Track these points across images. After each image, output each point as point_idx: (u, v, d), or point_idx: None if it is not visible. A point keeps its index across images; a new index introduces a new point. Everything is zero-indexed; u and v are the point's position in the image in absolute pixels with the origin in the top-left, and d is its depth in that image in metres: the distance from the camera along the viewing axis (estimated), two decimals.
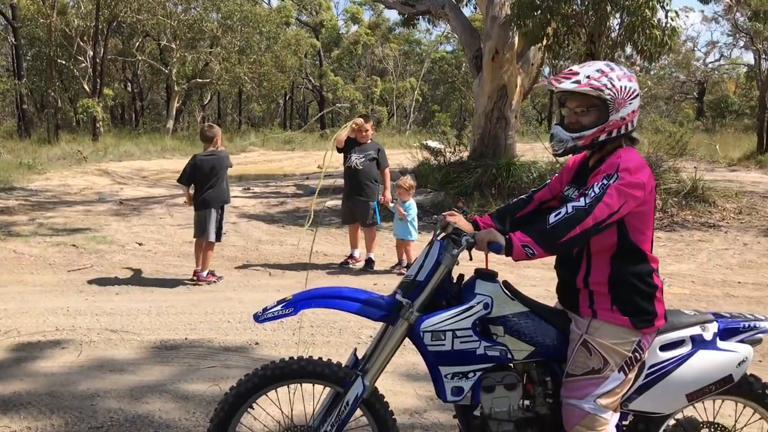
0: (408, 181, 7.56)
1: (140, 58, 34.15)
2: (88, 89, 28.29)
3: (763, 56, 23.70)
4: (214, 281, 7.21)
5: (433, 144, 15.27)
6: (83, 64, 29.89)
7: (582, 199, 2.50)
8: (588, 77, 2.57)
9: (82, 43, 29.63)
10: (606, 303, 2.64)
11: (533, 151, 15.53)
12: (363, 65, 51.44)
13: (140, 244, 9.07)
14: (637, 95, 2.60)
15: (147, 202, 12.98)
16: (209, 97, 43.77)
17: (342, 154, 7.93)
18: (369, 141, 7.92)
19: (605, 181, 2.50)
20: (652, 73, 57.24)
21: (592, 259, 2.64)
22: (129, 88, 40.79)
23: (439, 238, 2.84)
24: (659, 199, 11.72)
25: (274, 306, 2.82)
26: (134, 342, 5.25)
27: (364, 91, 45.29)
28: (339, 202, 8.97)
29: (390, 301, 2.81)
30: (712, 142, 24.60)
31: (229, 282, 7.28)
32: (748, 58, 38.81)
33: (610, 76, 2.57)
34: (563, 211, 2.50)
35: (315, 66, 44.04)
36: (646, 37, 10.34)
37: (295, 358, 2.89)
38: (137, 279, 7.36)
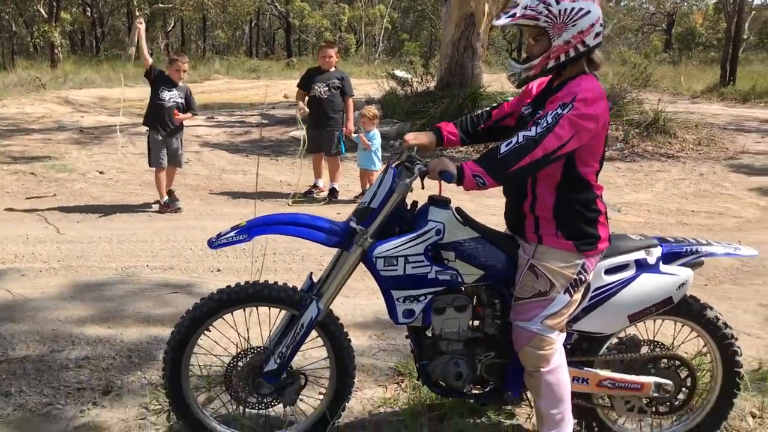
0: (372, 110, 7.53)
1: None
2: (44, 13, 27.27)
3: None
4: (170, 211, 7.24)
5: (400, 74, 15.11)
6: None
7: (533, 128, 2.51)
8: (525, 8, 2.55)
9: None
10: (551, 228, 2.71)
11: (500, 81, 15.49)
12: None
13: (101, 173, 8.96)
14: (585, 13, 2.52)
15: (108, 131, 12.73)
16: (173, 24, 42.52)
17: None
18: (333, 69, 7.83)
19: (559, 111, 2.50)
20: (622, 4, 56.99)
21: (537, 187, 2.69)
22: (89, 13, 39.41)
23: (393, 164, 2.88)
24: (622, 130, 11.87)
25: (229, 232, 2.84)
26: (95, 269, 5.27)
27: (332, 18, 44.34)
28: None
29: (344, 227, 2.85)
30: (677, 75, 24.72)
31: (191, 210, 7.27)
32: None
33: (548, 1, 2.53)
34: (513, 140, 2.52)
35: None
36: None
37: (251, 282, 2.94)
38: (98, 207, 7.31)
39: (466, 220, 2.86)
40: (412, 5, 48.90)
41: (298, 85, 7.98)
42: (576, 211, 2.69)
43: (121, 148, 10.31)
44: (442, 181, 2.62)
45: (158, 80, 7.28)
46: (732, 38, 21.93)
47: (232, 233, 2.83)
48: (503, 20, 2.60)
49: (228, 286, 2.92)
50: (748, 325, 4.45)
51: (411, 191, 2.80)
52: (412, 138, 2.91)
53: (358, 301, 4.75)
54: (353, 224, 2.81)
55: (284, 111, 15.45)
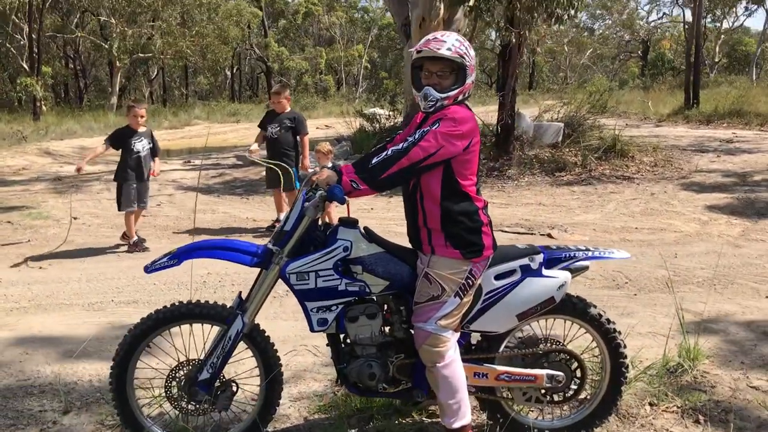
0: (326, 146, 7.96)
1: (80, 34, 33.62)
2: (26, 67, 27.87)
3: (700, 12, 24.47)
4: (138, 250, 7.62)
5: (368, 111, 15.66)
6: (21, 42, 29.36)
7: (402, 143, 2.97)
8: (454, 45, 3.02)
9: (17, 20, 29.06)
10: (441, 240, 3.12)
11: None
12: (310, 34, 51.24)
13: (75, 218, 9.34)
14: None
15: (87, 179, 13.13)
16: (156, 72, 43.26)
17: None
18: (287, 110, 8.31)
19: (428, 128, 2.96)
20: (596, 33, 58.34)
21: (425, 203, 3.11)
22: (71, 66, 40.11)
23: (302, 192, 3.29)
24: (580, 155, 12.38)
25: (161, 258, 3.24)
26: (63, 306, 5.62)
27: (312, 60, 45.24)
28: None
29: (263, 249, 3.25)
30: (645, 99, 25.48)
31: (158, 249, 7.63)
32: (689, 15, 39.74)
33: (465, 45, 3.04)
34: (384, 153, 2.97)
35: (261, 36, 43.77)
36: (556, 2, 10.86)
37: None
38: (70, 250, 7.68)
39: (372, 238, 3.27)
40: (390, 44, 49.93)
41: (259, 125, 8.54)
42: (460, 222, 3.09)
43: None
44: (335, 194, 2.97)
45: (122, 139, 7.68)
46: (692, 63, 22.64)
47: (164, 259, 3.23)
48: (444, 52, 3.00)
49: (164, 306, 3.31)
50: (665, 327, 4.82)
51: (321, 212, 3.21)
52: (316, 177, 3.30)
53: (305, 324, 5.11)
54: (270, 246, 3.22)
55: (261, 152, 15.91)
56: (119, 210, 7.75)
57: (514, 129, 12.80)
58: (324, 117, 27.57)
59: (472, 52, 3.08)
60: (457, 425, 3.15)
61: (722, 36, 48.34)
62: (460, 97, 3.09)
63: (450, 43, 3.02)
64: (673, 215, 8.88)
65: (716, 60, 48.28)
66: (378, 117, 14.83)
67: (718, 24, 46.88)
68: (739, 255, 6.95)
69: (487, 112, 14.34)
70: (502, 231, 8.11)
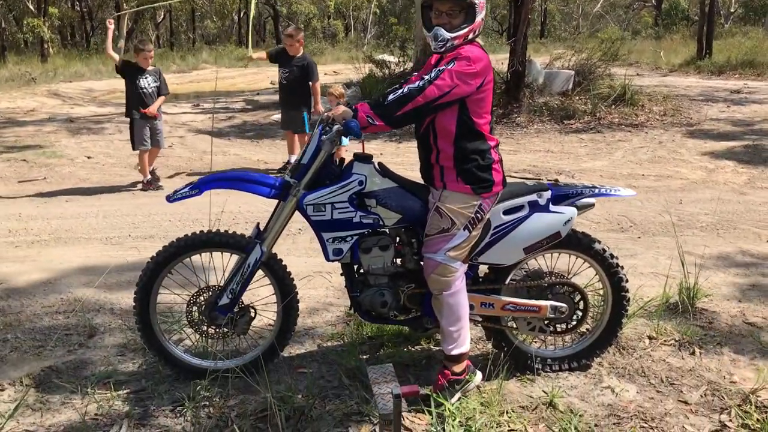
0: (338, 89, 7.99)
1: None
2: (32, 8, 27.65)
3: None
4: (152, 188, 7.77)
5: (378, 57, 15.59)
6: None
7: (418, 81, 3.04)
8: None
9: None
10: (453, 176, 3.23)
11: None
12: None
13: (89, 158, 9.49)
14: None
15: (98, 121, 13.24)
16: (162, 15, 42.78)
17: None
18: (300, 53, 8.32)
19: (443, 67, 3.04)
20: None
21: (438, 141, 3.21)
22: (77, 8, 39.68)
23: (318, 127, 3.40)
24: (589, 103, 12.38)
25: (183, 188, 3.37)
26: (82, 240, 5.80)
27: (319, 4, 44.61)
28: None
29: (281, 181, 3.38)
30: (657, 49, 25.18)
31: (171, 188, 7.77)
32: None
33: None
34: (399, 90, 3.05)
35: None
36: None
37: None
38: (86, 188, 7.85)
39: (386, 173, 3.39)
40: None
41: (267, 54, 8.61)
42: (472, 159, 3.20)
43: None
44: (352, 128, 3.08)
45: (130, 71, 7.81)
46: (707, 12, 22.31)
47: (186, 189, 3.36)
48: None
49: (185, 235, 3.46)
50: (667, 268, 4.96)
51: (338, 146, 3.32)
52: (332, 112, 3.39)
53: (321, 259, 5.28)
54: (287, 178, 3.34)
55: (268, 97, 15.94)
56: (133, 149, 7.88)
57: (525, 76, 12.76)
58: (332, 63, 27.36)
59: None
60: (455, 352, 3.31)
61: None
62: (471, 36, 3.13)
63: None
64: (680, 163, 8.95)
65: (732, 10, 47.36)
66: (387, 63, 14.76)
67: None
68: (744, 202, 7.05)
69: (497, 60, 14.23)
70: (510, 176, 8.15)
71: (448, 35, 3.12)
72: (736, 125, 11.41)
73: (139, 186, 7.85)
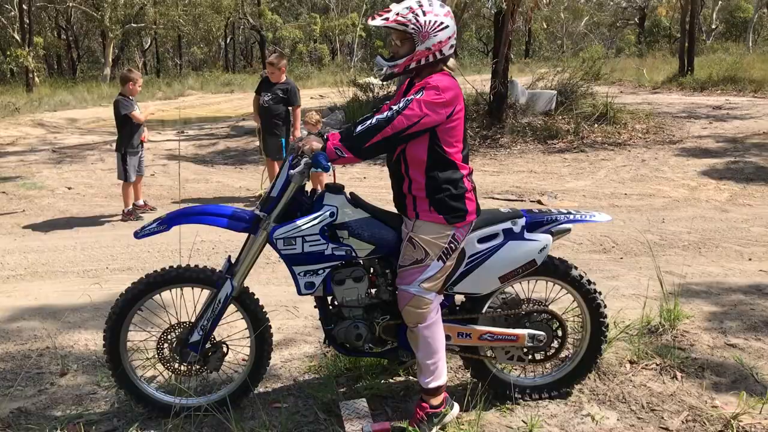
0: (314, 116, 7.98)
1: (71, 4, 33.26)
2: (18, 38, 27.66)
3: None
4: (132, 219, 7.70)
5: (363, 80, 15.63)
6: (11, 12, 29.09)
7: (387, 112, 3.00)
8: (397, 14, 3.03)
9: None
10: (425, 206, 3.18)
11: (462, 85, 16.04)
12: (304, 2, 50.70)
13: (69, 188, 9.42)
14: (444, 27, 3.01)
15: (81, 149, 13.17)
16: (149, 42, 42.92)
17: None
18: (282, 80, 8.32)
19: (411, 97, 2.99)
20: (593, 0, 57.80)
21: (410, 171, 3.17)
22: (63, 36, 39.76)
23: (289, 159, 3.35)
24: (572, 123, 12.43)
25: (151, 224, 3.32)
26: (59, 273, 5.72)
27: (306, 29, 44.86)
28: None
29: (251, 215, 3.33)
30: (639, 67, 25.39)
31: (151, 218, 7.71)
32: None
33: (416, 12, 3.00)
34: (369, 122, 3.01)
35: (254, 5, 43.33)
36: None
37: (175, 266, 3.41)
38: (65, 220, 7.77)
39: (358, 203, 3.34)
40: None
41: (255, 91, 8.56)
42: (444, 189, 3.15)
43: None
44: (320, 162, 3.04)
45: (128, 106, 7.69)
46: (688, 29, 22.56)
47: (154, 225, 3.31)
48: (378, 21, 3.04)
49: (155, 271, 3.39)
50: (649, 289, 4.92)
51: (307, 180, 3.28)
52: (301, 144, 3.35)
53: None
54: (257, 211, 3.29)
55: (253, 123, 15.90)
56: (126, 181, 7.72)
57: (507, 97, 12.81)
58: (318, 87, 27.44)
59: (432, 18, 2.99)
60: (432, 385, 3.24)
61: (720, 2, 47.94)
62: (412, 65, 3.06)
63: (396, 10, 3.01)
64: (662, 181, 8.97)
65: (713, 27, 47.94)
66: (372, 86, 14.80)
67: None
68: (726, 219, 7.06)
69: (482, 81, 14.31)
70: (493, 198, 8.21)
71: (385, 64, 3.10)
72: (718, 141, 11.47)
73: (118, 217, 7.77)
